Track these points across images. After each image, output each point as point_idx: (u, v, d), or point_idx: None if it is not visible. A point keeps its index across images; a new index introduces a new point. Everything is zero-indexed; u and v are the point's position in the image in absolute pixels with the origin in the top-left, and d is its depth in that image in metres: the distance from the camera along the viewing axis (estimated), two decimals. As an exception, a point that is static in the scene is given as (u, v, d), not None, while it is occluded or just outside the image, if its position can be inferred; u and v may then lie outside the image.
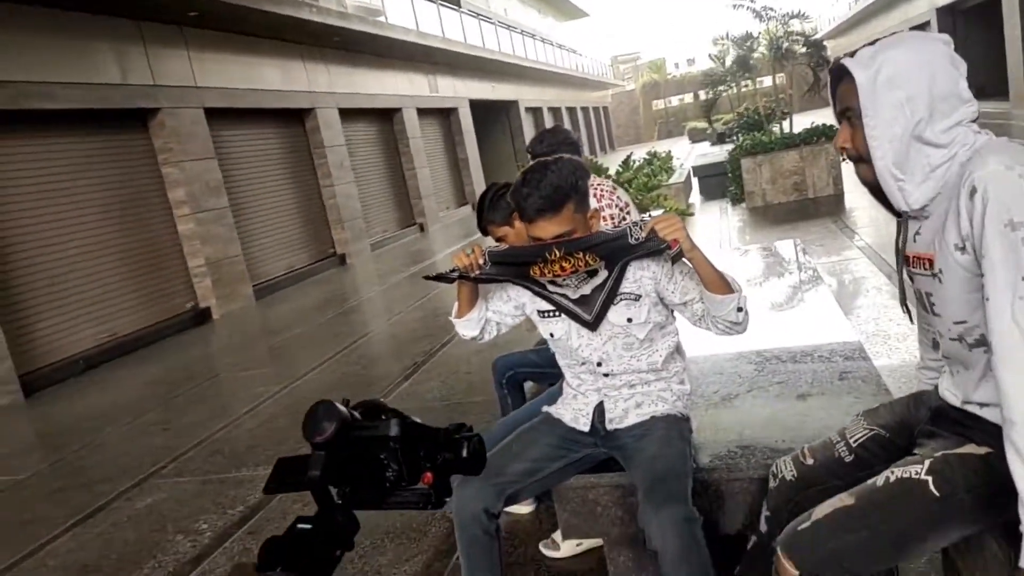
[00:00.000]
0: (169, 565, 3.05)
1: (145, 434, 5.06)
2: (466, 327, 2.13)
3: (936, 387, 1.55)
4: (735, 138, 14.67)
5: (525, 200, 1.80)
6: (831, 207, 8.80)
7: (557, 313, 1.98)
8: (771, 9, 10.90)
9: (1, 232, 7.20)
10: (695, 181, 12.62)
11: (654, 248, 1.78)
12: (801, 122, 11.47)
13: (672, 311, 1.97)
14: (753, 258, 4.54)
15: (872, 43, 1.35)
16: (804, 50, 12.04)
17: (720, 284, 1.77)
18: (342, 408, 0.97)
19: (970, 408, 1.38)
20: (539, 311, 2.04)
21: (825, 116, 11.57)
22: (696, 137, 31.78)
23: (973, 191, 1.20)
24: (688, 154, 21.86)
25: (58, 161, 7.90)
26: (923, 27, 23.51)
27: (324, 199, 12.81)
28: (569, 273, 1.84)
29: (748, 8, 10.81)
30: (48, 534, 3.59)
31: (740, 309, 1.80)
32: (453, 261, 1.96)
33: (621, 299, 1.91)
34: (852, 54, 1.35)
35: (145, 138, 9.06)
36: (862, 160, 1.36)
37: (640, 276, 1.90)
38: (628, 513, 2.01)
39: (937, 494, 1.30)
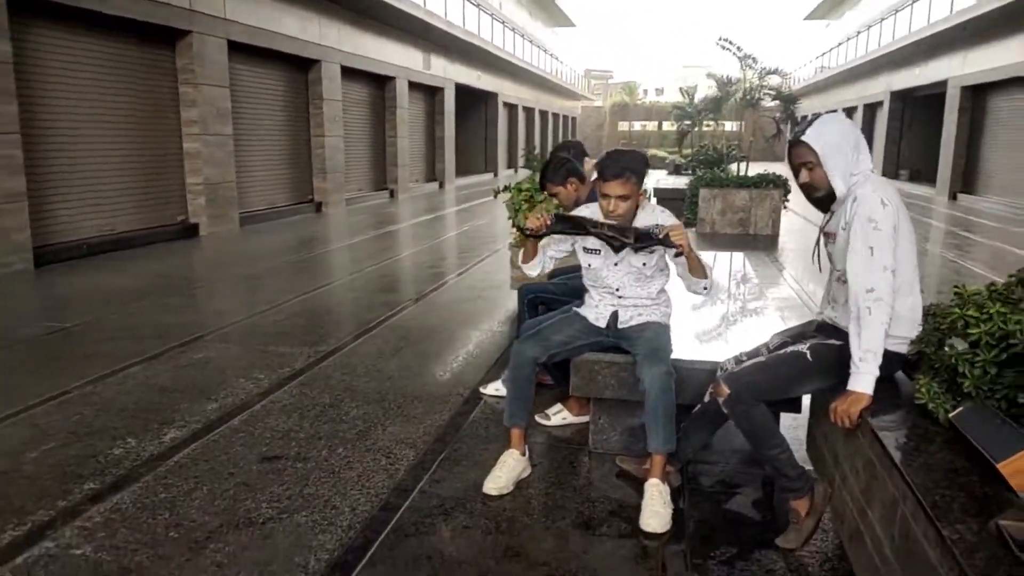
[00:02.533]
0: (238, 396, 3.93)
1: (173, 311, 5.86)
2: (531, 269, 3.14)
3: (822, 318, 2.69)
4: (691, 171, 16.04)
5: (609, 166, 2.83)
6: (767, 244, 10.19)
7: (598, 251, 3.02)
8: (753, 59, 12.18)
9: (38, 116, 7.75)
10: (653, 200, 13.89)
11: (667, 244, 2.82)
12: (753, 168, 12.90)
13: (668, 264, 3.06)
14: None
15: (809, 120, 2.46)
16: (773, 103, 13.46)
17: (699, 271, 2.87)
18: None
19: (832, 322, 2.52)
20: (585, 248, 3.07)
21: (772, 167, 13.09)
22: (653, 165, 33.44)
23: (855, 199, 2.32)
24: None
25: (93, 61, 8.46)
26: (876, 106, 25.77)
27: (313, 148, 13.51)
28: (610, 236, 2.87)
29: (734, 53, 12.09)
30: (117, 366, 4.39)
31: (705, 288, 2.93)
32: (527, 223, 2.95)
33: (640, 250, 2.99)
34: (800, 134, 2.44)
35: (170, 56, 9.65)
36: (816, 189, 2.45)
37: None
38: (616, 381, 3.08)
39: (810, 360, 2.43)
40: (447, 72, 20.34)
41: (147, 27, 8.94)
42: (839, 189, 2.40)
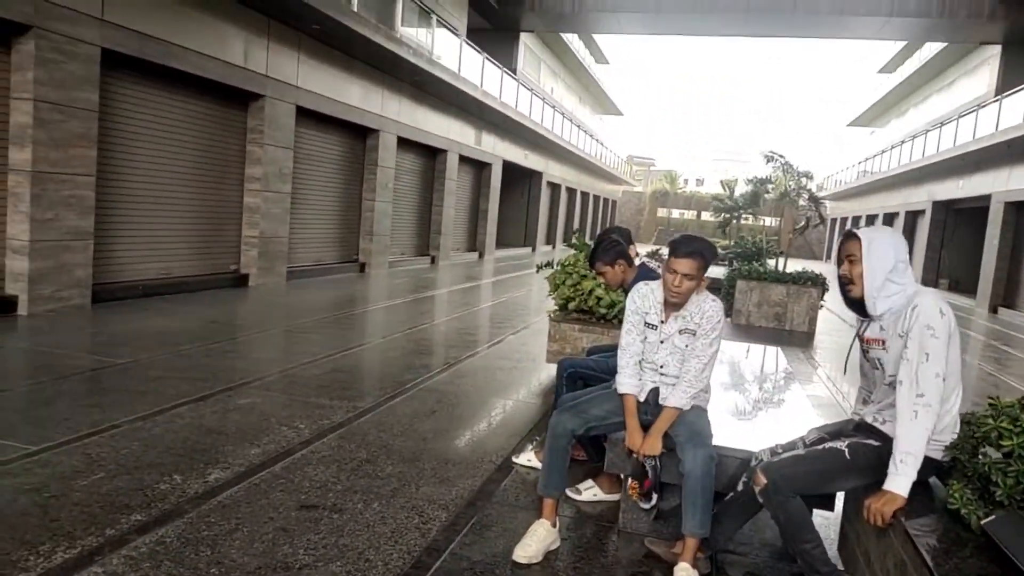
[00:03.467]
0: (280, 444, 4.06)
1: (221, 356, 6.08)
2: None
3: (860, 417, 2.75)
4: (727, 262, 16.20)
5: (684, 244, 2.98)
6: (803, 341, 10.17)
7: (655, 327, 3.14)
8: (791, 165, 12.68)
9: (113, 161, 8.26)
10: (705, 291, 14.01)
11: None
12: (790, 265, 13.00)
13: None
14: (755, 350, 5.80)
15: (866, 227, 2.60)
16: (804, 202, 13.88)
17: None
18: None
19: (873, 423, 2.59)
20: (647, 322, 3.18)
21: (809, 265, 13.17)
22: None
23: (915, 307, 2.43)
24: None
25: (170, 115, 9.05)
26: (918, 214, 25.82)
27: (363, 210, 14.02)
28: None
29: (778, 161, 12.58)
30: (166, 404, 4.58)
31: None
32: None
33: (684, 332, 3.11)
34: (855, 228, 2.60)
35: (242, 116, 10.25)
36: (853, 284, 2.58)
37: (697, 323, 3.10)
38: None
39: (848, 457, 2.49)
40: (496, 149, 21.07)
41: (224, 88, 9.56)
42: (868, 290, 2.53)
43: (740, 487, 2.87)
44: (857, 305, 2.61)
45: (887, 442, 2.43)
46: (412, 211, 16.81)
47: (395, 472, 3.76)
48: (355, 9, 11.11)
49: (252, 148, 10.34)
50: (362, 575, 2.68)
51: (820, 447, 2.58)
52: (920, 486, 2.41)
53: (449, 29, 15.81)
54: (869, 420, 2.62)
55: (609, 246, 3.81)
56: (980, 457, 2.17)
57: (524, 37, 26.09)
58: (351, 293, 11.09)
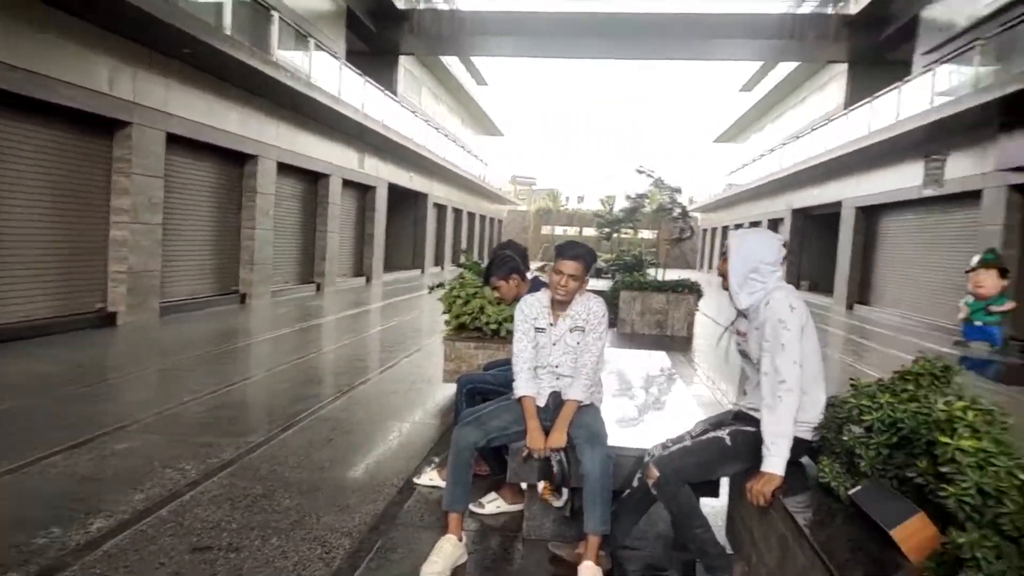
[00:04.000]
0: (165, 487, 3.84)
1: (92, 400, 5.66)
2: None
3: (738, 407, 2.96)
4: (611, 275, 16.80)
5: (568, 248, 3.19)
6: (683, 345, 10.69)
7: (544, 330, 3.26)
8: (663, 180, 13.46)
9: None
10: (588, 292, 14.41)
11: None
12: (671, 274, 13.66)
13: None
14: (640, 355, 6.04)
15: (744, 229, 2.82)
16: (677, 215, 14.71)
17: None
18: None
19: (749, 411, 2.79)
20: (536, 327, 3.30)
21: (685, 274, 13.88)
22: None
23: (767, 303, 2.65)
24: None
25: (25, 146, 8.38)
26: (779, 222, 27.80)
27: (242, 239, 13.47)
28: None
29: (649, 176, 13.26)
30: (36, 455, 4.21)
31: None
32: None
33: (575, 330, 3.24)
34: (737, 227, 2.82)
35: (107, 145, 9.65)
36: (724, 278, 2.79)
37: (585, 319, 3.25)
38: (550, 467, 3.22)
39: (729, 444, 2.67)
40: (380, 172, 20.89)
41: (85, 116, 8.98)
42: (732, 285, 2.77)
43: (635, 483, 3.00)
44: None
45: (761, 427, 2.63)
46: (295, 238, 16.33)
47: (293, 505, 3.65)
48: (229, 32, 10.77)
49: (118, 178, 9.72)
50: (264, 611, 2.59)
51: (704, 437, 2.76)
52: (794, 466, 2.62)
53: (327, 52, 15.59)
54: (745, 409, 2.82)
55: (502, 261, 3.91)
56: (845, 434, 2.40)
57: (404, 60, 26.11)
58: (232, 326, 10.62)
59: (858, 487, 2.24)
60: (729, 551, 2.91)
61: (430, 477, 4.02)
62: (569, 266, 3.17)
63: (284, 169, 14.79)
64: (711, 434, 2.76)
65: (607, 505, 2.91)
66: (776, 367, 2.57)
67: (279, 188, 14.70)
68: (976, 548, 1.64)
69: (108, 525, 3.26)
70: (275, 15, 12.76)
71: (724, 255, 2.85)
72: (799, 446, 2.62)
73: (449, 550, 3.00)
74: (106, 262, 9.78)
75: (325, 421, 5.34)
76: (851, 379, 2.60)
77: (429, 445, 4.81)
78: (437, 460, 4.41)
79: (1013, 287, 11.99)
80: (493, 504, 3.67)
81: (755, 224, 31.48)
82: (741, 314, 2.83)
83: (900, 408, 2.25)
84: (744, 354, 2.86)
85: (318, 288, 17.03)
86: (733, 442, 2.68)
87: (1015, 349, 11.92)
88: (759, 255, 2.73)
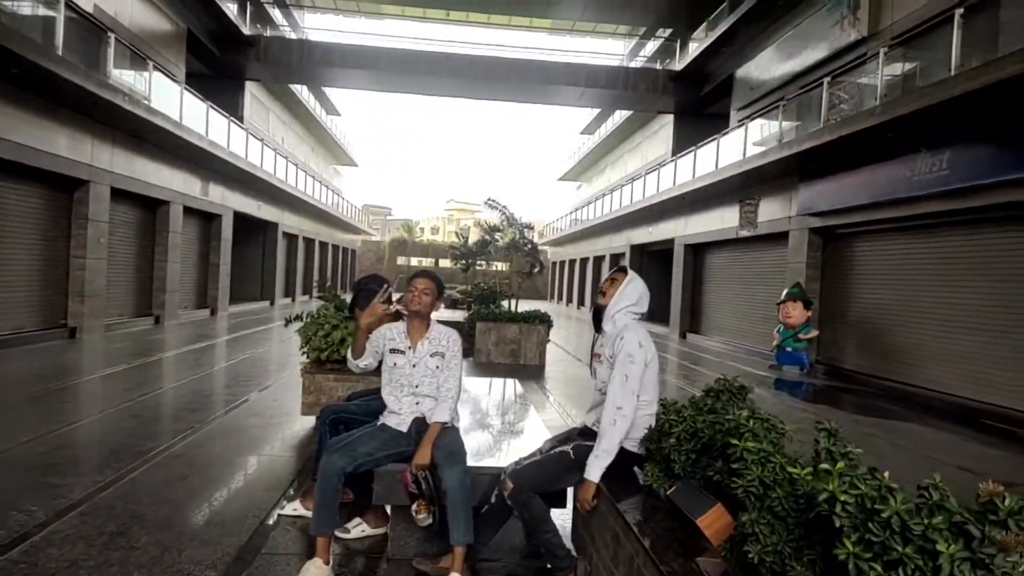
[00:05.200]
0: (12, 529, 3.65)
1: (-96, 447, 5.16)
2: (363, 361, 3.64)
3: (583, 424, 3.39)
4: (468, 306, 17.28)
5: (417, 273, 3.56)
6: (535, 373, 11.28)
7: (403, 352, 3.55)
8: (514, 216, 14.14)
9: None
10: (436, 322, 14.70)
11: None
12: (524, 305, 14.32)
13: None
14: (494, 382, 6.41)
15: (588, 260, 3.28)
16: (527, 248, 15.50)
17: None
18: None
19: (594, 427, 3.23)
20: (391, 349, 3.58)
21: (538, 305, 14.58)
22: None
23: (621, 338, 3.10)
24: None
25: None
26: (620, 256, 29.71)
27: (71, 269, 12.55)
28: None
29: (501, 211, 13.86)
30: None
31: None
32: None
33: (435, 355, 3.56)
34: (627, 266, 3.27)
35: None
36: (604, 295, 3.24)
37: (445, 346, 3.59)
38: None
39: (572, 457, 3.08)
40: (226, 199, 20.15)
41: None
42: (610, 307, 3.22)
43: (493, 499, 3.33)
44: (596, 315, 3.28)
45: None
46: (131, 268, 15.37)
47: (152, 540, 3.63)
48: (59, 52, 10.16)
49: (-74, 201, 8.86)
50: (133, 643, 2.63)
51: (552, 452, 3.15)
52: (627, 475, 3.07)
53: (166, 74, 14.97)
54: (589, 424, 3.26)
55: (368, 294, 4.12)
56: (663, 444, 2.87)
57: (250, 86, 25.44)
58: (63, 361, 9.87)
59: (674, 487, 2.71)
60: (574, 553, 3.31)
61: (294, 507, 4.13)
62: (421, 282, 3.56)
63: (119, 195, 13.98)
64: (558, 449, 3.17)
65: (469, 517, 3.21)
66: (615, 395, 3.01)
67: (113, 215, 13.86)
68: (755, 525, 2.12)
69: (-52, 574, 3.11)
70: (111, 36, 12.16)
71: (612, 279, 3.30)
72: (630, 460, 3.08)
73: (315, 572, 3.17)
74: (-91, 294, 8.82)
75: (179, 458, 5.24)
76: (661, 400, 3.11)
77: (290, 477, 4.88)
78: (301, 490, 4.51)
79: (816, 316, 13.81)
80: (358, 528, 3.86)
81: (599, 259, 33.50)
82: (600, 336, 3.28)
83: (700, 419, 2.76)
84: (593, 371, 3.31)
85: (157, 320, 16.08)
86: (576, 455, 3.09)
87: (820, 372, 13.68)
88: (639, 300, 3.21)
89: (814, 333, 13.64)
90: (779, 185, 15.19)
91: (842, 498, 1.72)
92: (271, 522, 4.01)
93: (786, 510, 2.16)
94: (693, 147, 19.46)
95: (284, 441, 5.95)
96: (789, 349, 13.77)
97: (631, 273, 3.34)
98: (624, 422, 2.98)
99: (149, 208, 15.92)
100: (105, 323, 13.48)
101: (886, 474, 1.80)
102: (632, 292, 3.26)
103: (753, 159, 14.82)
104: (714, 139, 17.94)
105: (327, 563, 3.24)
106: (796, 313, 13.58)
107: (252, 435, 6.12)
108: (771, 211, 15.77)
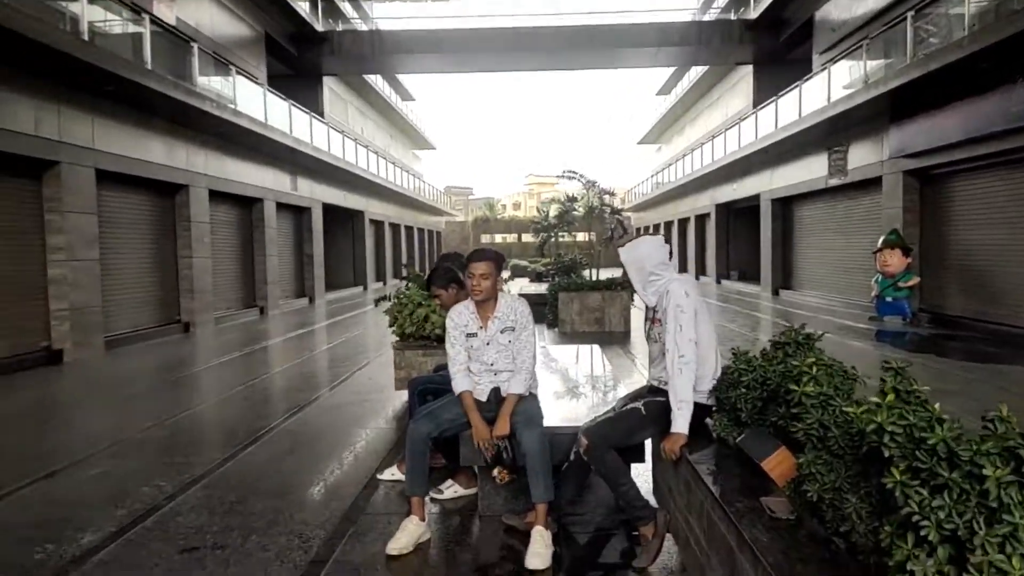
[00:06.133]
0: (145, 502, 4.13)
1: (53, 434, 5.83)
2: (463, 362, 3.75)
3: (651, 382, 3.48)
4: (551, 278, 17.43)
5: (475, 253, 3.68)
6: (620, 339, 11.33)
7: (476, 334, 3.72)
8: (593, 183, 14.04)
9: None
10: (511, 290, 14.96)
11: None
12: (605, 273, 14.33)
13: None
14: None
15: (632, 237, 3.36)
16: (608, 215, 15.40)
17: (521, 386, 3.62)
18: None
19: (659, 384, 3.32)
20: (467, 334, 3.76)
21: (619, 272, 14.57)
22: (517, 273, 35.18)
23: (668, 292, 3.18)
24: (509, 286, 24.59)
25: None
26: (706, 217, 29.01)
27: (180, 268, 13.51)
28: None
29: (579, 180, 13.84)
30: (9, 487, 4.44)
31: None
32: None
33: (506, 331, 3.72)
34: (620, 246, 3.35)
35: (36, 184, 9.67)
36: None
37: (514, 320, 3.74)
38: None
39: (644, 413, 3.19)
40: (314, 192, 21.02)
41: (12, 158, 9.00)
42: (638, 290, 3.32)
43: (572, 456, 3.49)
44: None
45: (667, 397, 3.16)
46: (234, 263, 16.38)
47: (267, 507, 4.00)
48: (149, 67, 10.88)
49: (51, 217, 9.75)
50: (256, 592, 2.97)
51: (624, 409, 3.27)
52: (700, 427, 3.16)
53: (249, 78, 15.73)
54: (655, 383, 3.35)
55: (443, 272, 4.36)
56: (731, 393, 2.94)
57: (328, 81, 26.26)
58: (179, 354, 10.72)
59: (743, 434, 2.78)
60: (654, 504, 3.43)
61: (392, 472, 4.43)
62: (478, 267, 3.62)
63: (216, 196, 14.87)
64: (630, 406, 3.28)
65: (549, 476, 3.38)
66: (677, 344, 3.10)
67: (213, 215, 14.77)
68: (812, 465, 2.18)
69: (96, 539, 3.56)
70: (194, 46, 12.88)
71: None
72: (701, 411, 3.16)
73: (412, 528, 3.42)
74: (47, 301, 9.78)
75: (287, 434, 5.68)
76: (732, 349, 3.16)
77: (388, 447, 5.21)
78: (398, 457, 4.82)
79: (916, 263, 13.16)
80: (451, 489, 4.11)
81: (684, 221, 32.82)
82: (652, 309, 3.37)
83: (769, 369, 2.81)
84: (653, 336, 3.39)
85: (262, 311, 17.08)
86: (647, 411, 3.20)
87: (923, 320, 13.05)
88: (652, 258, 3.27)
89: (915, 280, 13.01)
90: (868, 129, 14.45)
91: (889, 428, 1.77)
92: (372, 487, 4.32)
93: (843, 448, 2.21)
94: (774, 97, 18.72)
95: (380, 416, 6.31)
96: (889, 299, 13.20)
97: (621, 252, 3.38)
98: (689, 369, 3.05)
99: (245, 206, 16.86)
100: (215, 316, 14.46)
101: (936, 404, 1.83)
102: (639, 258, 3.29)
103: (839, 103, 14.15)
104: (796, 86, 17.20)
105: (423, 519, 3.50)
106: (894, 261, 12.97)
107: (352, 411, 6.52)
108: (861, 156, 15.04)
